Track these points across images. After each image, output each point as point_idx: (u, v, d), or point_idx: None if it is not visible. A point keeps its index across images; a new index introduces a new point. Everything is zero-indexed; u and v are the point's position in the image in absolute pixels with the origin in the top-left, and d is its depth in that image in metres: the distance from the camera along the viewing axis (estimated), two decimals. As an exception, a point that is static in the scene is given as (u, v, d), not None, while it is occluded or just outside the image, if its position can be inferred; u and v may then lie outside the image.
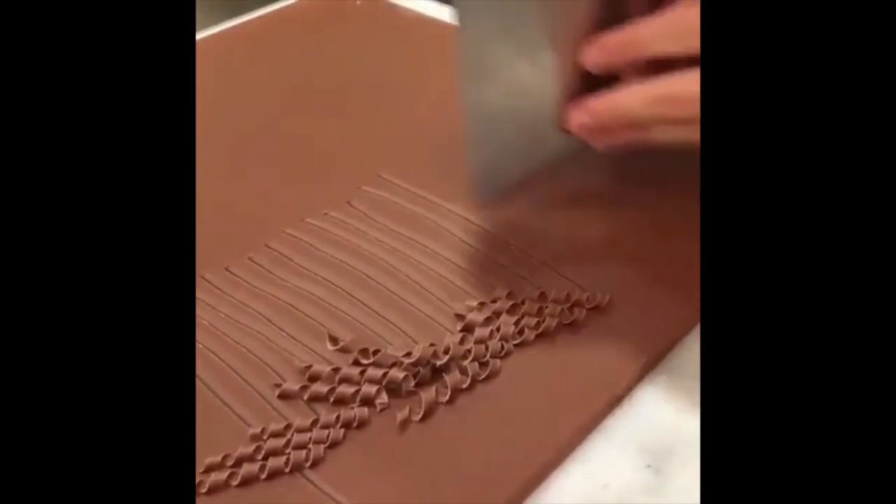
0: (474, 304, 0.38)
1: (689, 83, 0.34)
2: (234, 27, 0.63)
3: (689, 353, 0.37)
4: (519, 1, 0.37)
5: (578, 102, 0.38)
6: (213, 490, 0.32)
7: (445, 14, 0.63)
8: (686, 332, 0.38)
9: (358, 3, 0.65)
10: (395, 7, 0.64)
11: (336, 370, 0.35)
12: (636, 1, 0.37)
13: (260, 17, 0.64)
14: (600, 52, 0.37)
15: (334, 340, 0.36)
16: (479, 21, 0.37)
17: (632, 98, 0.36)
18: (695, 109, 0.33)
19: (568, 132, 0.39)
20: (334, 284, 0.40)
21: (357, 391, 0.35)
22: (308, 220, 0.44)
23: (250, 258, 0.42)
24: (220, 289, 0.40)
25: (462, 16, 0.37)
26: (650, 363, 0.37)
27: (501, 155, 0.41)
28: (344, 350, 0.36)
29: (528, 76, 0.39)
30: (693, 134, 0.33)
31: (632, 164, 0.43)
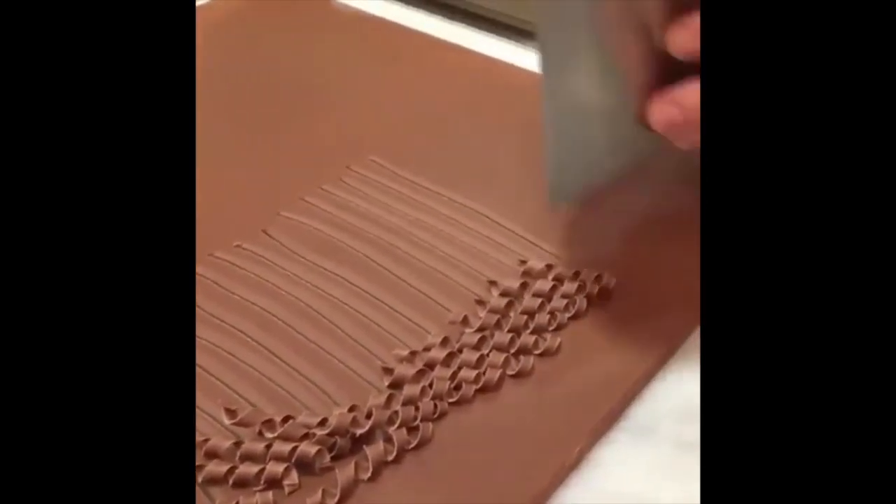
0: (404, 353, 0.33)
1: None
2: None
3: (657, 402, 0.32)
4: None
5: (662, 94, 0.31)
6: None
7: (385, 11, 0.57)
8: (653, 376, 0.33)
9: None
10: (334, 3, 0.58)
11: (237, 444, 0.30)
12: None
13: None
14: (689, 34, 0.30)
15: (231, 413, 0.30)
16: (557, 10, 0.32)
17: None
18: None
19: (649, 128, 0.32)
20: (240, 331, 0.34)
21: (262, 471, 0.29)
22: (216, 253, 0.38)
23: (146, 302, 0.36)
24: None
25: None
26: (609, 419, 0.31)
27: (579, 156, 0.35)
28: (243, 423, 0.30)
29: (607, 67, 0.33)
30: None
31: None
